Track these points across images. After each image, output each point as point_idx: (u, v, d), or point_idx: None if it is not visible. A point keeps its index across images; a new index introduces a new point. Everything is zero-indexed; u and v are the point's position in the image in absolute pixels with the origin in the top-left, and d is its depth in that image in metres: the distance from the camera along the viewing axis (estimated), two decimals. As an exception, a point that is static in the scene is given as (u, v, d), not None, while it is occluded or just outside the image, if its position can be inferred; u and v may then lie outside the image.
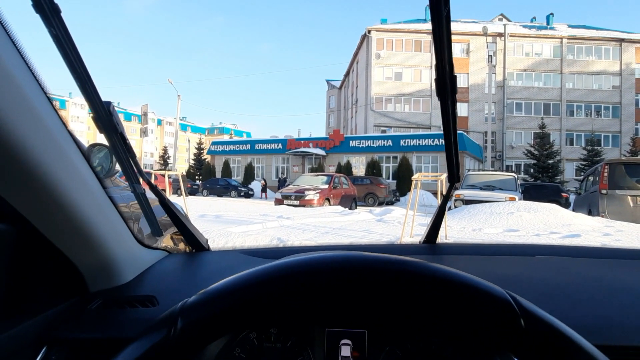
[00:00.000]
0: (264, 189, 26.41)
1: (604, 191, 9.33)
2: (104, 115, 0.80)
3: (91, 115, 0.80)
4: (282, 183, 25.95)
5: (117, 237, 0.81)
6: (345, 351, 0.69)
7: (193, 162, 41.77)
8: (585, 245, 1.44)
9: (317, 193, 14.34)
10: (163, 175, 10.70)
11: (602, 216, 9.11)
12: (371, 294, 0.51)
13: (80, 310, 0.76)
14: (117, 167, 1.37)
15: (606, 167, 9.52)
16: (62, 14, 0.66)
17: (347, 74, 47.27)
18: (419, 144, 26.22)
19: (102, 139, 0.96)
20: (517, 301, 0.48)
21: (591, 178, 10.84)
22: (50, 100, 0.61)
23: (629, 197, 9.07)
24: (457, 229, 7.62)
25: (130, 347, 0.49)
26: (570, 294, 0.80)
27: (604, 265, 0.98)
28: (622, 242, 6.20)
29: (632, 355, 0.65)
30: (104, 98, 0.79)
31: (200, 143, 43.34)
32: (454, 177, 0.98)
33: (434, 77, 0.81)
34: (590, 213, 9.77)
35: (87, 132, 67.71)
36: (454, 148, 0.91)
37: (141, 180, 0.93)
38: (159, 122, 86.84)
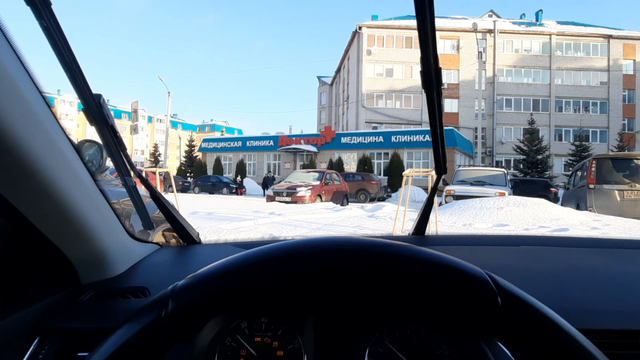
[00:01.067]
0: (240, 185, 26.28)
1: (591, 186, 9.47)
2: (95, 107, 0.80)
3: (82, 107, 0.81)
4: (269, 181, 25.56)
5: (109, 230, 0.82)
6: (335, 339, 0.70)
7: (184, 159, 41.52)
8: (568, 236, 1.48)
9: (308, 189, 14.35)
10: (154, 173, 10.64)
11: (590, 210, 9.24)
12: (352, 273, 0.51)
13: (72, 302, 0.77)
14: (108, 163, 1.37)
15: (594, 162, 9.65)
16: (53, 7, 0.67)
17: (338, 71, 47.23)
18: (410, 140, 26.32)
19: (92, 135, 0.97)
20: (494, 280, 0.48)
21: (579, 173, 10.99)
22: (43, 95, 0.62)
23: (616, 192, 9.22)
24: (448, 224, 7.69)
25: (121, 330, 0.49)
26: (552, 281, 0.83)
27: (586, 254, 1.01)
28: (609, 236, 6.30)
29: (609, 337, 0.68)
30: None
31: (191, 140, 43.07)
32: (441, 169, 1.00)
33: (419, 70, 0.83)
34: (578, 207, 9.91)
35: (77, 130, 66.85)
36: (440, 140, 0.93)
37: (132, 173, 0.94)
38: (150, 119, 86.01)
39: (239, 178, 27.49)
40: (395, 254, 0.51)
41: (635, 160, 9.38)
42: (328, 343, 0.70)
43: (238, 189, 26.15)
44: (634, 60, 37.18)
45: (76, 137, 1.23)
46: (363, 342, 0.71)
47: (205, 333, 0.67)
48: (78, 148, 0.72)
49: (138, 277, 0.87)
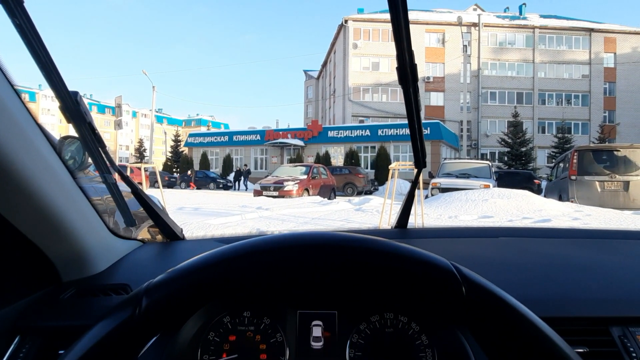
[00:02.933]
0: (190, 179, 25.67)
1: (573, 177, 9.65)
2: (72, 105, 0.79)
3: (58, 105, 0.80)
4: (243, 175, 24.74)
5: (89, 227, 0.82)
6: (317, 332, 0.72)
7: (170, 154, 41.05)
8: (545, 227, 1.52)
9: (296, 184, 14.34)
10: (139, 168, 10.51)
11: (572, 201, 9.43)
12: (321, 267, 0.52)
13: (53, 300, 0.77)
14: (90, 159, 1.36)
15: (575, 154, 9.83)
16: (25, 4, 0.66)
17: (324, 64, 47.08)
18: (397, 133, 26.45)
19: (73, 131, 0.95)
20: (459, 270, 0.50)
21: (562, 165, 11.18)
22: (17, 92, 0.62)
23: (597, 183, 9.42)
24: (434, 217, 7.78)
25: (96, 327, 0.49)
26: (526, 271, 0.85)
27: (562, 244, 1.05)
28: (590, 226, 6.46)
29: (581, 325, 0.71)
30: (75, 89, 0.79)
31: (177, 135, 42.56)
32: (420, 163, 1.01)
33: (395, 66, 0.84)
34: (560, 198, 10.09)
35: (60, 126, 65.50)
36: (418, 134, 0.95)
37: (112, 170, 0.93)
38: (134, 115, 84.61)
39: (189, 171, 26.56)
40: (364, 247, 0.52)
41: (615, 152, 9.57)
42: (310, 336, 0.72)
43: (190, 183, 25.47)
44: (615, 54, 37.87)
45: (59, 133, 1.21)
46: (344, 334, 0.72)
47: (188, 328, 0.68)
48: (56, 145, 0.72)
49: (120, 274, 0.86)
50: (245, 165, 28.06)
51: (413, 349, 0.71)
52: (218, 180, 25.79)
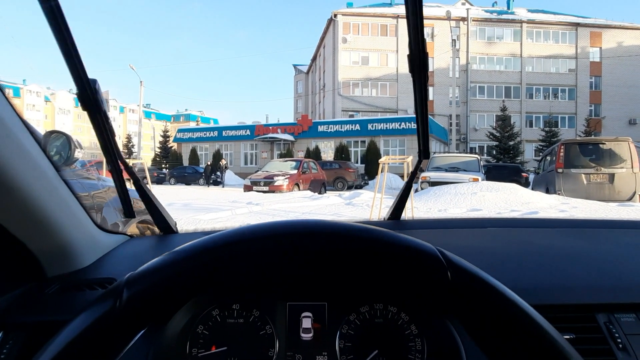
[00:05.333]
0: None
1: (560, 170, 9.79)
2: (90, 93, 0.78)
3: (75, 92, 0.78)
4: (221, 171, 22.98)
5: (74, 221, 0.81)
6: (306, 323, 0.72)
7: (159, 150, 40.66)
8: (532, 217, 1.54)
9: (286, 178, 14.34)
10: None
11: (559, 194, 9.58)
12: (305, 254, 0.52)
13: (37, 295, 0.76)
14: (77, 155, 1.34)
15: (562, 147, 9.96)
16: None
17: (314, 59, 46.92)
18: (386, 127, 26.53)
19: (60, 127, 0.94)
20: (445, 255, 0.49)
21: (549, 158, 11.33)
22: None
23: (583, 175, 9.56)
24: (424, 210, 7.85)
25: (75, 321, 0.47)
26: (513, 259, 0.87)
27: (548, 234, 1.06)
28: (577, 217, 6.56)
29: (567, 312, 0.72)
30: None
31: (165, 131, 42.16)
32: (427, 153, 1.00)
33: (406, 53, 0.83)
34: (547, 191, 10.23)
35: (45, 122, 64.31)
36: (424, 125, 0.94)
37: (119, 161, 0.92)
38: (122, 110, 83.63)
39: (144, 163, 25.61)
40: (348, 233, 0.51)
41: (601, 145, 9.72)
42: (299, 327, 0.72)
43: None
44: (600, 48, 38.37)
45: (44, 129, 1.19)
46: (334, 325, 0.73)
47: (176, 321, 0.67)
48: (40, 139, 0.70)
49: (106, 269, 0.85)
50: (224, 159, 26.72)
51: (403, 339, 0.71)
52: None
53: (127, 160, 0.97)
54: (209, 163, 24.70)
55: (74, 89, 0.79)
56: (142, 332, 0.50)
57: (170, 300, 0.51)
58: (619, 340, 0.68)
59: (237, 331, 0.73)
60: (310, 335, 0.72)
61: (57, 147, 1.27)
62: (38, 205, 0.70)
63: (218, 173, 25.10)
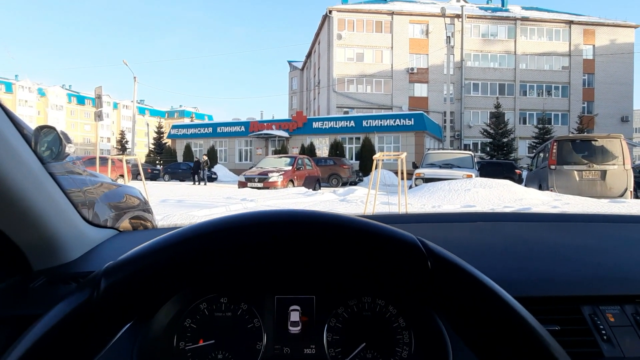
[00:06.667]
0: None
1: (552, 167, 9.86)
2: None
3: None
4: (207, 168, 21.98)
5: (61, 215, 0.80)
6: (294, 317, 0.73)
7: (153, 146, 40.43)
8: (520, 212, 1.56)
9: (280, 175, 14.31)
10: (121, 160, 10.34)
11: (552, 190, 9.64)
12: (284, 243, 0.50)
13: (23, 289, 0.75)
14: (67, 150, 1.34)
15: (555, 144, 10.03)
16: None
17: (309, 55, 46.77)
18: (381, 124, 26.56)
19: (53, 122, 0.93)
20: (425, 244, 0.49)
21: (542, 155, 11.40)
22: None
23: (575, 172, 9.64)
24: (418, 206, 7.87)
25: (51, 312, 0.46)
26: (499, 252, 0.88)
27: (536, 228, 1.07)
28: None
29: (552, 304, 0.73)
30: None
31: (159, 127, 41.90)
32: None
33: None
34: (540, 188, 10.30)
35: (37, 117, 63.70)
36: None
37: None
38: (115, 106, 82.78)
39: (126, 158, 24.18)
40: (332, 222, 0.50)
41: (593, 142, 9.80)
42: (287, 321, 0.73)
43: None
44: (593, 46, 38.58)
45: (37, 125, 1.19)
46: (322, 319, 0.73)
47: (162, 314, 0.67)
48: (27, 133, 0.70)
49: (94, 262, 0.84)
50: (205, 155, 25.67)
51: (390, 332, 0.72)
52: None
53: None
54: (198, 159, 23.84)
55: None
56: (128, 325, 0.49)
57: (153, 291, 0.49)
58: (604, 332, 0.68)
59: (225, 324, 0.73)
60: (298, 328, 0.72)
61: (48, 143, 1.26)
62: (23, 198, 0.69)
63: (213, 170, 24.85)
